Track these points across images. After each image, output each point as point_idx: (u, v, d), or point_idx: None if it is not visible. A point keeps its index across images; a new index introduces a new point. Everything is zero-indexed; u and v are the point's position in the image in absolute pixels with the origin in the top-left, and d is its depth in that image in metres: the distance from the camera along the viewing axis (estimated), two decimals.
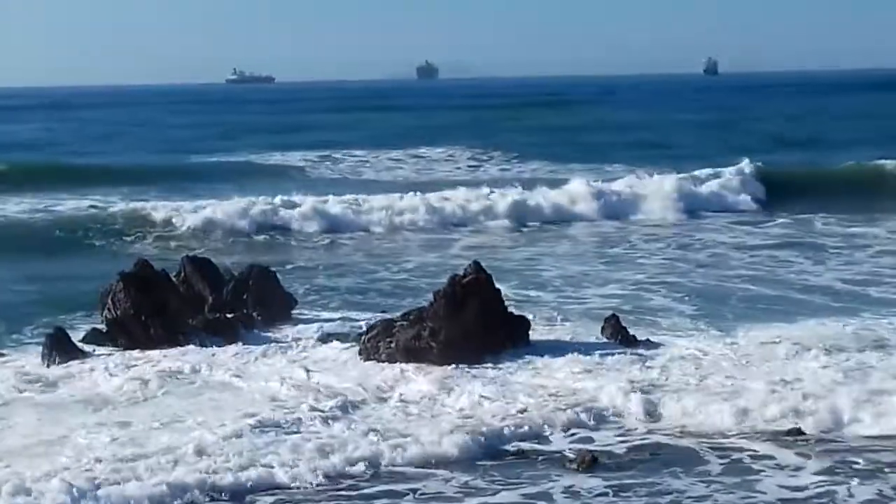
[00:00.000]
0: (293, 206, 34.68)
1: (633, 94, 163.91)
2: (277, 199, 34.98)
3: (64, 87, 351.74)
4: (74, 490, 12.08)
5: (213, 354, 18.30)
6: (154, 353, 18.39)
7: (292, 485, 12.67)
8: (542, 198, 37.40)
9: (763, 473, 13.01)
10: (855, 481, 12.61)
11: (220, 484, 12.59)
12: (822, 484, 12.62)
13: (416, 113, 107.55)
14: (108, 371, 17.41)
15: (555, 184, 39.66)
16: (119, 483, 12.42)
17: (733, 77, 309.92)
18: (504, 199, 36.71)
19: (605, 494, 12.48)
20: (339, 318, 21.08)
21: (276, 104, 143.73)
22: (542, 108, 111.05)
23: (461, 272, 18.52)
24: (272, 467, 12.99)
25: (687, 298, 22.74)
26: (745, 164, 42.39)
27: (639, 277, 25.08)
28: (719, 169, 42.07)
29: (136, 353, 18.47)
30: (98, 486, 12.28)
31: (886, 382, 15.58)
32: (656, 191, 38.73)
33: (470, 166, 55.79)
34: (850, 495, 12.26)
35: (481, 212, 35.90)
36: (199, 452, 13.34)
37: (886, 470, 12.93)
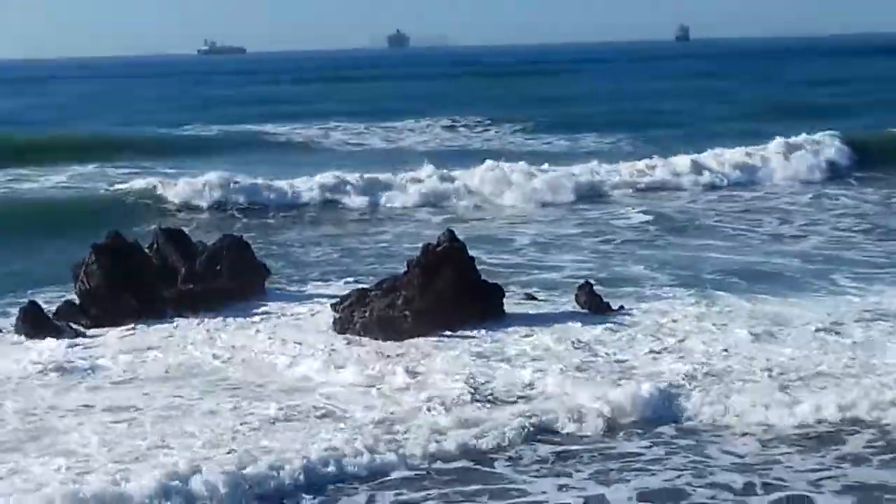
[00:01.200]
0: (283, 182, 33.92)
1: (613, 61, 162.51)
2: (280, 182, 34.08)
3: (32, 59, 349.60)
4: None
5: (190, 329, 18.29)
6: (121, 331, 18.33)
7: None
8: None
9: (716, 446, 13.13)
10: (797, 456, 12.78)
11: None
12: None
13: (400, 83, 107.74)
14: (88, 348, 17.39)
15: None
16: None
17: (705, 43, 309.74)
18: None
19: (545, 461, 12.59)
20: (313, 289, 21.02)
21: (255, 75, 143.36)
22: (524, 78, 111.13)
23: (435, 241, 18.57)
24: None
25: None
26: (829, 133, 41.04)
27: None
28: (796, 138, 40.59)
29: (115, 331, 18.35)
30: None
31: None
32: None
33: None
34: (789, 466, 12.43)
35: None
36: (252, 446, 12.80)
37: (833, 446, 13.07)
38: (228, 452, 12.47)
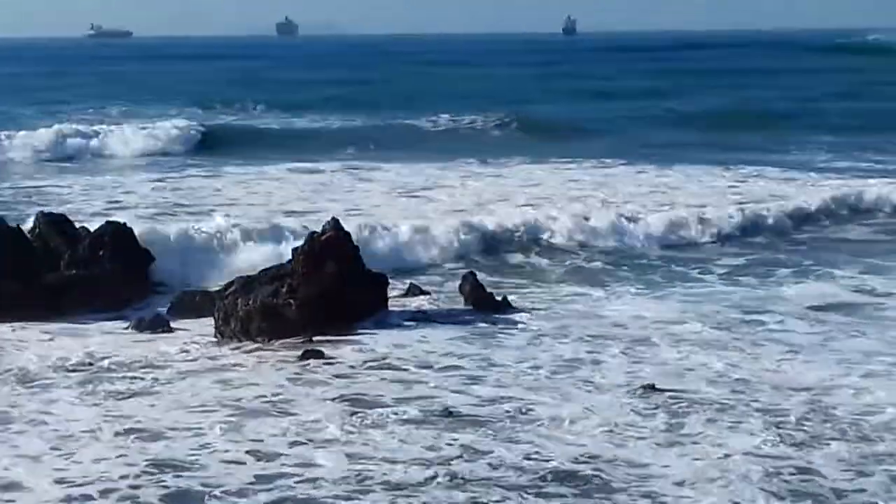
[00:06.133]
0: None
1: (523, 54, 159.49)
2: None
3: None
4: None
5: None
6: None
7: None
8: None
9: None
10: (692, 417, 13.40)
11: None
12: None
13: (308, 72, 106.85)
14: None
15: None
16: None
17: (592, 37, 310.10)
18: None
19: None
20: (196, 277, 20.92)
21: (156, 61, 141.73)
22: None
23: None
24: None
25: None
26: None
27: None
28: None
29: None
30: None
31: None
32: None
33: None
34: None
35: None
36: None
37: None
38: None
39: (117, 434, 13.01)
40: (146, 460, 12.17)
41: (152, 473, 11.81)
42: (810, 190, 32.15)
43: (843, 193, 30.65)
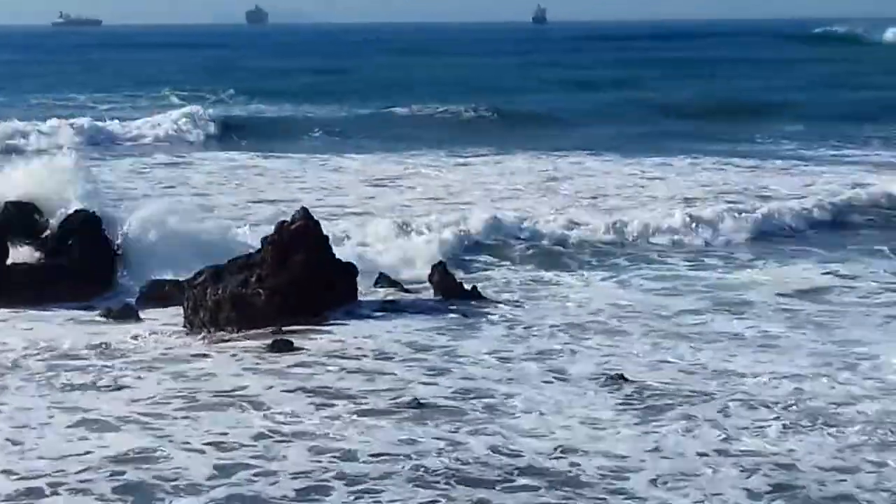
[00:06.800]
0: None
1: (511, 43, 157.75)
2: None
3: None
4: None
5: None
6: None
7: None
8: None
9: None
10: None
11: None
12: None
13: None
14: None
15: None
16: None
17: (562, 25, 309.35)
18: None
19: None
20: (167, 266, 20.74)
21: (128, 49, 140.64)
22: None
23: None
24: None
25: None
26: None
27: None
28: None
29: None
30: None
31: None
32: None
33: None
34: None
35: None
36: None
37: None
38: None
39: (71, 426, 12.76)
40: (102, 452, 11.90)
41: (106, 466, 11.54)
42: (778, 179, 32.32)
43: (811, 182, 30.93)
